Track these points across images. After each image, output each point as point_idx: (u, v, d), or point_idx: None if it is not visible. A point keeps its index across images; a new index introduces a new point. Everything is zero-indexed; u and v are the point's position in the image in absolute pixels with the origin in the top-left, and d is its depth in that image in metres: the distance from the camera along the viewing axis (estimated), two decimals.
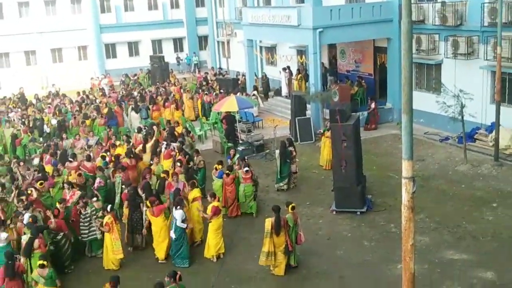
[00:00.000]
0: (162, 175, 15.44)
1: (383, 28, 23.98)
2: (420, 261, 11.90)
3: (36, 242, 11.87)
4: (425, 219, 14.83)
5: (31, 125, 23.78)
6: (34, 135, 22.39)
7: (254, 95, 27.48)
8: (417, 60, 22.36)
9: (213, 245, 13.47)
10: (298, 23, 23.74)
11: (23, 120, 24.97)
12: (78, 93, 30.87)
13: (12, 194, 14.99)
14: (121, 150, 18.55)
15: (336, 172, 15.63)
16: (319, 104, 23.52)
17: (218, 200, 13.91)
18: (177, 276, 9.91)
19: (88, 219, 13.66)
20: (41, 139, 21.87)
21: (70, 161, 17.30)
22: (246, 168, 15.75)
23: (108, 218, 12.97)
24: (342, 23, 23.40)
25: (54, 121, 23.83)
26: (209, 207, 13.45)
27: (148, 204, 13.42)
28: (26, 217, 13.06)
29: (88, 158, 17.50)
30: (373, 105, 23.74)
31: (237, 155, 17.58)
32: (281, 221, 12.24)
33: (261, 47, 34.25)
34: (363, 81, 26.10)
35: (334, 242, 14.04)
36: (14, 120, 25.24)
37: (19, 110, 27.82)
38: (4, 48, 41.28)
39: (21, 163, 17.93)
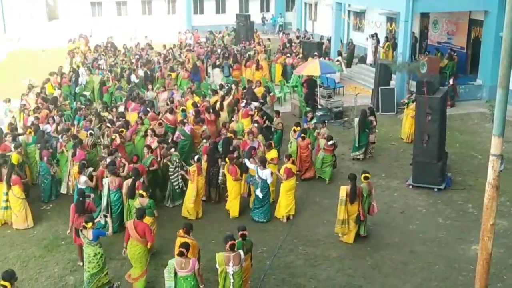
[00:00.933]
0: (229, 134, 15.46)
1: (481, 0, 22.67)
2: (496, 244, 11.37)
3: (137, 183, 12.56)
4: (506, 202, 14.21)
5: (118, 74, 24.56)
6: (121, 83, 23.12)
7: (338, 60, 26.98)
8: None
9: (284, 206, 13.58)
10: None
11: (111, 68, 25.87)
12: (164, 46, 31.55)
13: (103, 138, 15.63)
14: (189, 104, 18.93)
15: (417, 146, 15.19)
16: (406, 74, 22.79)
17: (293, 163, 13.92)
18: (243, 232, 9.99)
19: (176, 168, 14.07)
20: (127, 87, 22.55)
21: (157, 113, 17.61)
22: (331, 142, 15.54)
23: (193, 168, 13.34)
24: None
25: (141, 72, 24.48)
26: (282, 168, 13.52)
27: (227, 160, 13.65)
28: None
29: (171, 111, 17.90)
30: (451, 81, 22.65)
31: (314, 120, 17.43)
32: (356, 189, 12.11)
33: (349, 12, 33.41)
34: (455, 54, 24.94)
35: (407, 216, 13.76)
36: (103, 67, 26.15)
37: (108, 58, 28.79)
38: None
39: (108, 109, 18.62)
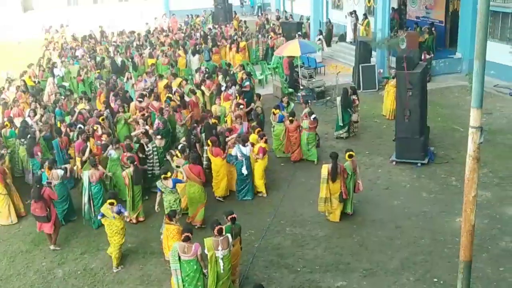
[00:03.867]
0: (213, 120, 15.44)
1: None
2: (480, 215, 11.64)
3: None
4: (489, 173, 14.38)
5: (99, 63, 24.29)
6: (101, 72, 22.90)
7: (319, 39, 26.92)
8: (493, 8, 21.12)
9: (260, 184, 13.99)
10: None
11: (91, 56, 25.55)
12: (135, 33, 31.07)
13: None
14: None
15: (399, 122, 15.24)
16: (385, 51, 22.81)
17: (266, 142, 14.10)
18: (231, 216, 10.09)
19: (150, 155, 14.06)
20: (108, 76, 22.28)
21: (140, 101, 17.38)
22: (314, 116, 15.59)
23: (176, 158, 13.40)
24: None
25: (119, 59, 24.24)
26: (257, 147, 13.76)
27: (209, 143, 13.64)
28: (112, 152, 13.64)
29: (157, 98, 17.78)
30: (423, 56, 22.27)
31: (292, 105, 17.33)
32: (337, 168, 12.17)
33: None
34: (434, 29, 24.99)
35: (392, 192, 13.88)
36: (80, 57, 25.80)
37: (88, 47, 28.43)
38: None
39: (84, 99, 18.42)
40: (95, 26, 33.28)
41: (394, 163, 15.40)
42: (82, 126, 15.31)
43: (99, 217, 11.44)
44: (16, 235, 12.85)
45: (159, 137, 14.44)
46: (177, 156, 13.35)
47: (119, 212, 11.05)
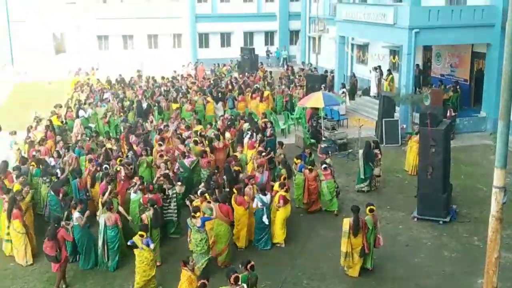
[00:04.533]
0: (236, 168, 15.54)
1: (484, 33, 22.86)
2: (503, 278, 11.29)
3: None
4: None
5: (127, 106, 24.73)
6: (127, 115, 23.27)
7: (343, 92, 27.17)
8: None
9: (280, 233, 13.93)
10: (394, 22, 23.21)
11: (119, 100, 26.06)
12: (163, 77, 31.82)
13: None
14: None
15: (422, 178, 15.15)
16: (409, 106, 22.87)
17: (287, 191, 14.06)
18: (250, 265, 10.00)
19: (169, 200, 14.10)
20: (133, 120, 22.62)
21: (160, 145, 17.64)
22: (324, 165, 15.63)
23: (196, 202, 13.29)
24: (440, 24, 22.61)
25: (144, 104, 24.66)
26: (277, 196, 13.75)
27: (234, 191, 13.68)
28: (133, 195, 13.77)
29: (183, 141, 17.99)
30: (448, 113, 22.25)
31: (313, 156, 17.36)
32: (359, 222, 12.05)
33: (352, 45, 33.76)
34: (458, 87, 25.06)
35: (412, 249, 13.64)
36: (109, 100, 26.33)
37: (117, 90, 29.07)
38: (104, 31, 43.34)
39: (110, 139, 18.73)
40: (124, 70, 34.09)
41: (415, 219, 15.19)
42: (108, 166, 15.49)
43: (129, 243, 11.81)
44: (33, 274, 12.85)
45: (179, 183, 14.50)
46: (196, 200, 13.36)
47: (147, 245, 11.54)
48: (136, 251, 11.58)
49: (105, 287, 12.17)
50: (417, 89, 25.35)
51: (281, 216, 13.83)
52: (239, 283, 9.46)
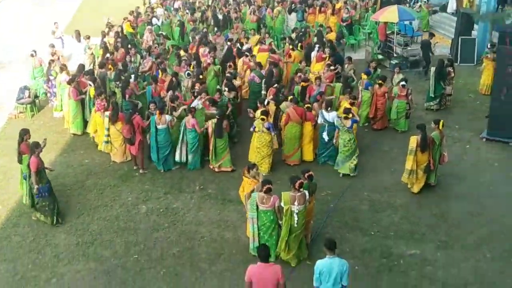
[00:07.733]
0: (302, 83, 15.28)
1: None
2: None
3: (225, 122, 13.22)
4: None
5: (199, 17, 24.66)
6: (197, 26, 23.26)
7: (420, 6, 25.94)
8: None
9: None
10: None
11: (188, 9, 26.00)
12: None
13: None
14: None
15: (495, 98, 14.61)
16: (489, 24, 21.64)
17: (352, 104, 13.85)
18: (308, 174, 10.19)
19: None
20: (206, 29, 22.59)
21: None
22: (403, 83, 15.23)
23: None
24: None
25: (220, 16, 24.51)
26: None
27: (308, 106, 13.70)
28: (195, 102, 14.03)
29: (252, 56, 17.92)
30: None
31: (379, 71, 16.92)
32: (427, 139, 11.90)
33: None
34: None
35: (478, 169, 13.42)
36: (180, 8, 26.34)
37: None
38: None
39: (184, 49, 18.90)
40: None
41: (484, 140, 14.82)
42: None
43: (251, 129, 13.08)
44: (107, 170, 13.66)
45: (226, 90, 14.63)
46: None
47: (268, 128, 12.75)
48: (255, 134, 12.97)
49: (174, 186, 12.81)
50: (499, 6, 23.81)
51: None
52: (302, 189, 9.71)
